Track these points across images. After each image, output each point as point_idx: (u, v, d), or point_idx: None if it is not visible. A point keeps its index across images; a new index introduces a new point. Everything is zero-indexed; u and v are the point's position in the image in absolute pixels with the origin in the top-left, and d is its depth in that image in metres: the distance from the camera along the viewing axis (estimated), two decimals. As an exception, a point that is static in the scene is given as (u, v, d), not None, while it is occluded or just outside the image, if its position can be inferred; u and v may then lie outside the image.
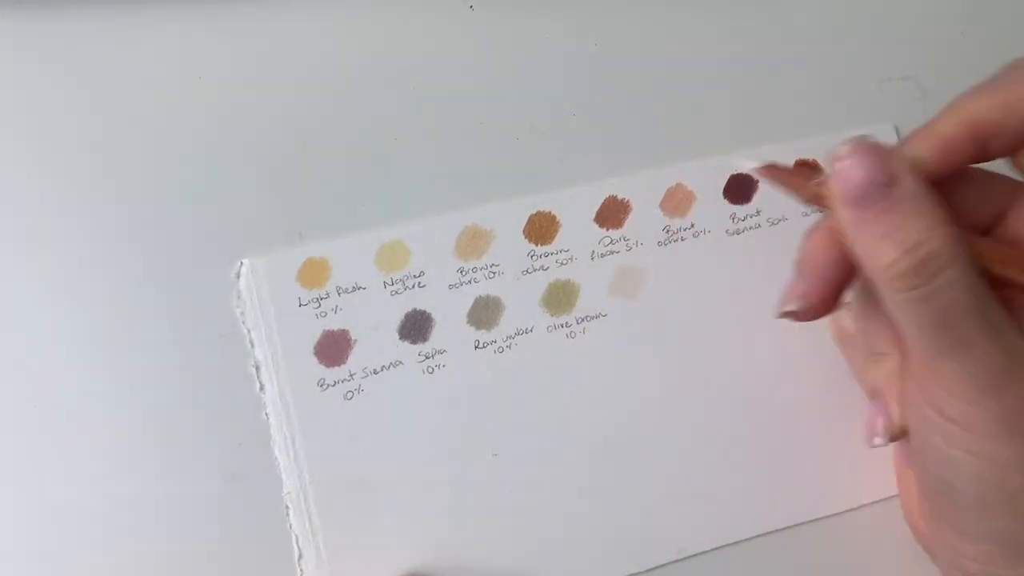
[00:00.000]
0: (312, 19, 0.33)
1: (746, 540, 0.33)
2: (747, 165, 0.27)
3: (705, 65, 0.35)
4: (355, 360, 0.32)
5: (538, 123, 0.34)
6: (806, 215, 0.34)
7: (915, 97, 0.36)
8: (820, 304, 0.27)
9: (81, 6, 0.32)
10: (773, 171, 0.27)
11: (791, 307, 0.27)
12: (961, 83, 0.35)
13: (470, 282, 0.33)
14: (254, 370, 0.32)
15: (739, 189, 0.34)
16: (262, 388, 0.32)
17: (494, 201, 0.33)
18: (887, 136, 0.36)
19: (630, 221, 0.34)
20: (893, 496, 0.33)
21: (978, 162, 0.27)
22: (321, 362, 0.32)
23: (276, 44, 0.33)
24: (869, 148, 0.24)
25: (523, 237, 0.33)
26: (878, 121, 0.36)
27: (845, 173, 0.24)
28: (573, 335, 0.33)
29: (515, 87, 0.34)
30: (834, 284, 0.27)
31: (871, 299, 0.27)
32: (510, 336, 0.33)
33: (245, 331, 0.32)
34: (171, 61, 0.32)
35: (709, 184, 0.34)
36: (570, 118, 0.34)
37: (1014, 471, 0.25)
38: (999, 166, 0.27)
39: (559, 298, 0.33)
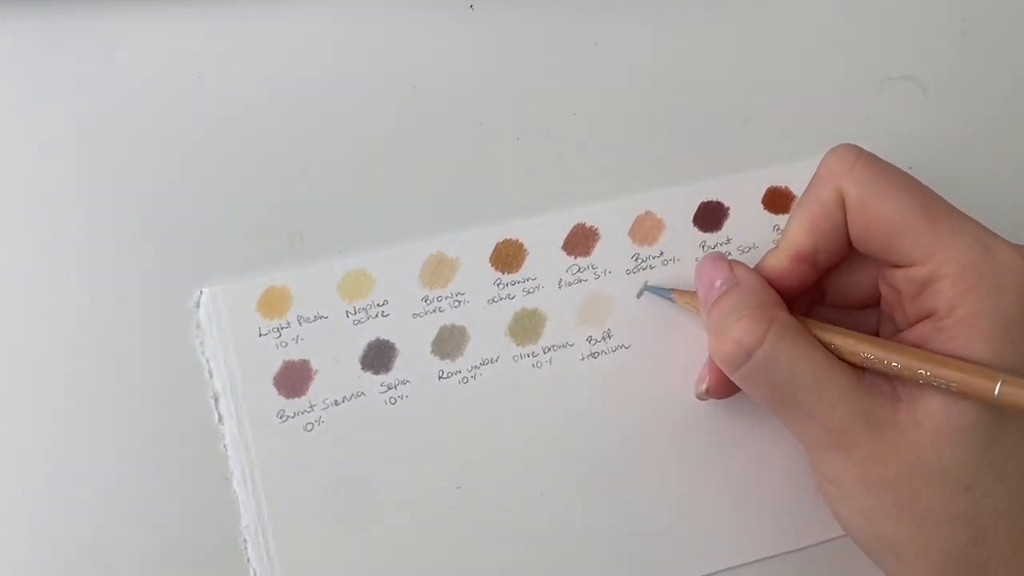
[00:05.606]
0: (311, 20, 0.32)
1: (726, 570, 0.33)
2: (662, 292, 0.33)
3: (703, 64, 0.35)
4: (316, 391, 0.31)
5: (524, 135, 0.33)
6: (776, 243, 0.34)
7: (915, 97, 0.35)
8: (722, 389, 0.31)
9: (81, 6, 0.31)
10: (681, 296, 0.32)
11: (699, 390, 0.32)
12: (961, 83, 0.35)
13: (435, 311, 0.32)
14: (212, 401, 0.31)
15: (709, 217, 0.34)
16: (220, 420, 0.31)
17: (465, 227, 0.33)
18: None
19: (598, 249, 0.33)
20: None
21: (820, 274, 0.30)
22: (281, 393, 0.31)
23: (274, 44, 0.32)
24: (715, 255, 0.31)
25: (489, 265, 0.33)
26: (879, 120, 0.35)
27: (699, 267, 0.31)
28: (539, 365, 0.33)
29: (506, 97, 0.34)
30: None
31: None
32: (475, 366, 0.32)
33: (204, 361, 0.31)
34: (171, 61, 0.32)
35: (679, 212, 0.34)
36: (552, 134, 0.34)
37: (884, 521, 0.27)
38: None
39: (525, 327, 0.33)
